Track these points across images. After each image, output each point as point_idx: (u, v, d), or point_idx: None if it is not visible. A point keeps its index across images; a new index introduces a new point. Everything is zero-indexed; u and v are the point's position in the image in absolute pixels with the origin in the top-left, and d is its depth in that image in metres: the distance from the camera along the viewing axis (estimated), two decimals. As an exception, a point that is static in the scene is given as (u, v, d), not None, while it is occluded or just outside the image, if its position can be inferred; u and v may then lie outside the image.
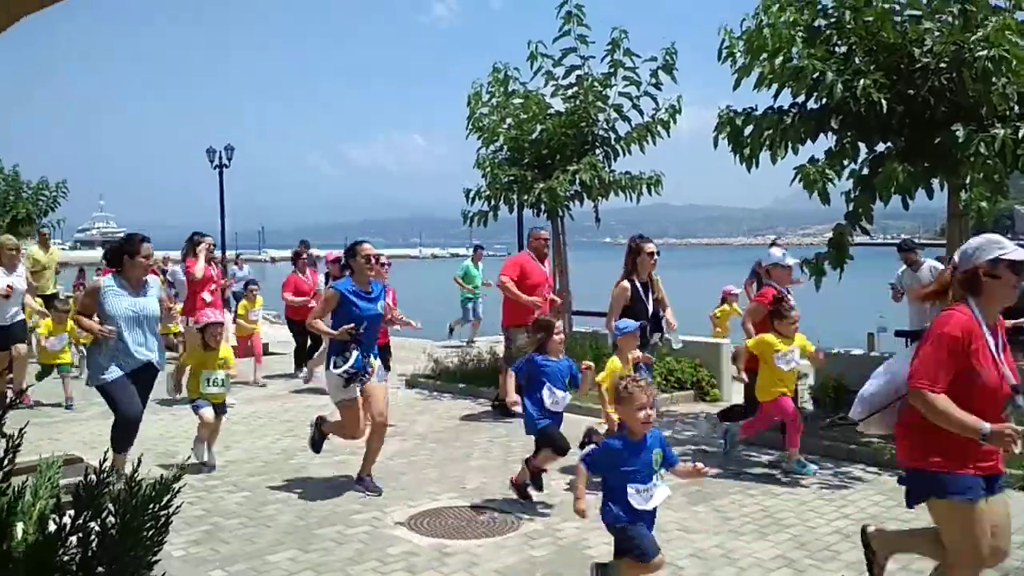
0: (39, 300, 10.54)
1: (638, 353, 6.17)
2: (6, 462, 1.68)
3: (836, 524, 5.25)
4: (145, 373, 5.89)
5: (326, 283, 9.75)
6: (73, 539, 1.66)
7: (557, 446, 5.56)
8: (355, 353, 5.70)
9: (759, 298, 6.90)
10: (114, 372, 5.71)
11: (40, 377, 9.32)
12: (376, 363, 5.96)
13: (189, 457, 6.84)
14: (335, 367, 5.73)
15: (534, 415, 5.58)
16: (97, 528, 1.65)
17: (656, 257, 6.92)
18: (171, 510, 1.73)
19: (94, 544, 1.63)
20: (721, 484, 6.15)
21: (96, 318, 5.84)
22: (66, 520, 1.69)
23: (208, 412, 6.54)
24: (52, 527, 1.68)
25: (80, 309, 6.03)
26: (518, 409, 5.90)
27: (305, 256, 11.31)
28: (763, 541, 4.95)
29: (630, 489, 3.66)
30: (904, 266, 9.44)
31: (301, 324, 10.82)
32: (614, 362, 5.98)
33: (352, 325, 5.70)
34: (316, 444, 6.36)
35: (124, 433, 5.73)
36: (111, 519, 1.68)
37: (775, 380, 6.35)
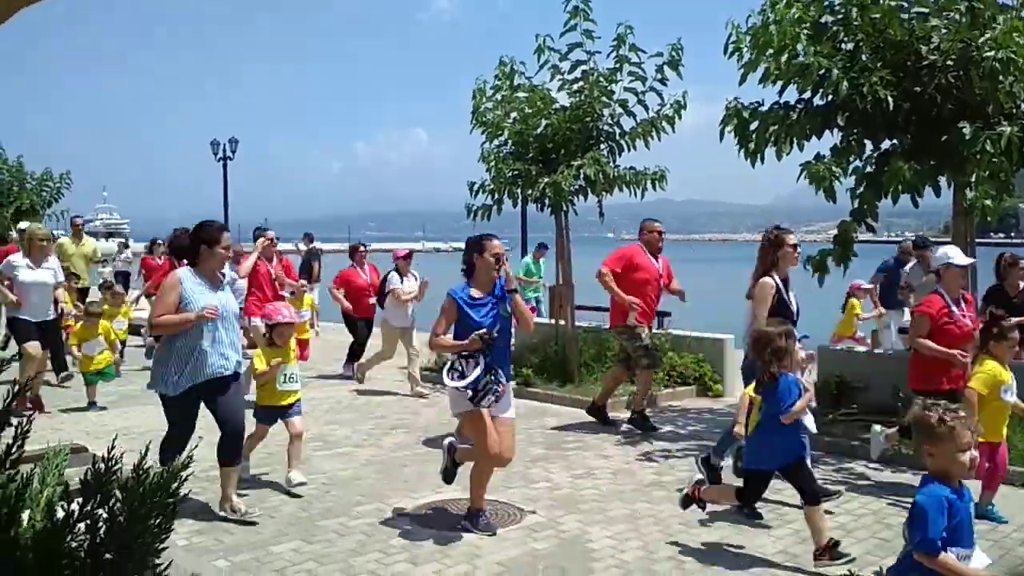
0: (70, 297, 9.90)
1: (802, 354, 5.31)
2: (15, 449, 1.68)
3: (838, 520, 5.25)
4: (223, 385, 5.12)
5: (400, 280, 9.52)
6: (81, 526, 1.67)
7: (809, 492, 4.62)
8: (480, 366, 4.82)
9: (924, 308, 5.79)
10: (183, 384, 4.97)
11: (90, 383, 8.75)
12: (503, 381, 4.97)
13: (196, 446, 6.82)
14: (451, 379, 4.87)
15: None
16: (105, 515, 1.66)
17: (799, 250, 6.13)
18: (178, 498, 1.74)
19: (102, 531, 1.64)
20: (724, 479, 6.15)
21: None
22: (74, 507, 1.70)
23: (262, 423, 5.98)
24: (60, 514, 1.69)
25: (161, 309, 5.05)
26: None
27: (363, 250, 10.88)
28: (765, 536, 4.96)
29: (951, 554, 2.82)
30: (914, 262, 9.41)
31: (353, 320, 10.50)
32: None
33: (484, 331, 4.84)
34: (448, 473, 5.44)
35: (171, 451, 4.82)
36: (118, 506, 1.69)
37: (999, 413, 5.24)
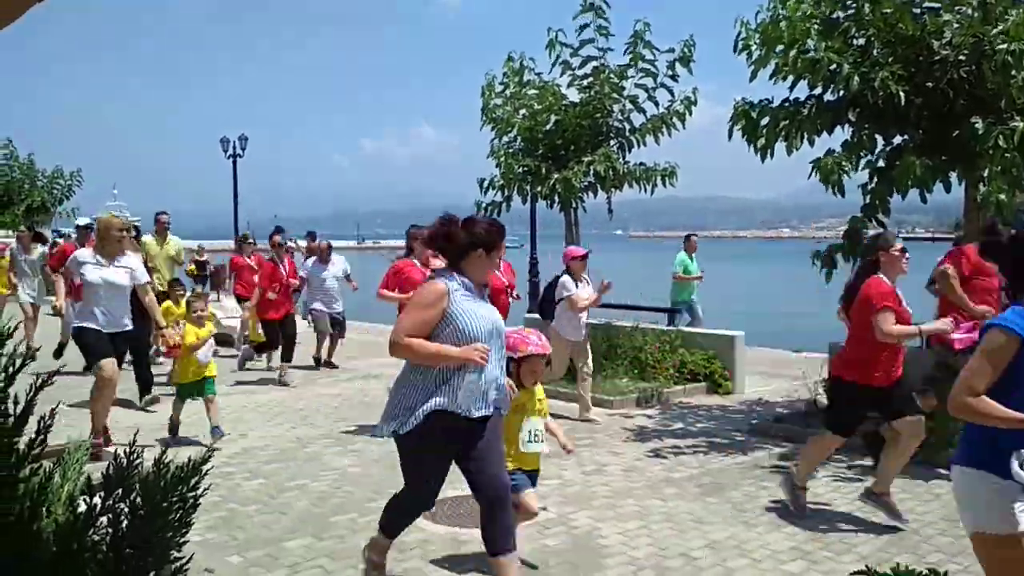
0: (176, 310, 9.09)
1: None
2: (36, 444, 1.71)
3: (851, 516, 5.25)
4: (486, 423, 3.84)
5: (575, 285, 8.14)
6: (103, 520, 1.69)
7: None
8: None
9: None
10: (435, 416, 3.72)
11: (177, 407, 7.15)
12: None
13: (215, 441, 6.88)
14: None
15: None
16: (126, 509, 1.68)
17: None
18: (198, 492, 1.76)
19: (124, 525, 1.66)
20: (735, 476, 6.16)
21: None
22: (95, 501, 1.72)
23: (531, 495, 4.38)
24: (82, 507, 1.71)
25: (411, 326, 3.74)
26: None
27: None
28: (777, 532, 4.96)
29: None
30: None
31: None
32: None
33: None
34: None
35: (404, 516, 4.12)
36: (139, 500, 1.71)
37: None
